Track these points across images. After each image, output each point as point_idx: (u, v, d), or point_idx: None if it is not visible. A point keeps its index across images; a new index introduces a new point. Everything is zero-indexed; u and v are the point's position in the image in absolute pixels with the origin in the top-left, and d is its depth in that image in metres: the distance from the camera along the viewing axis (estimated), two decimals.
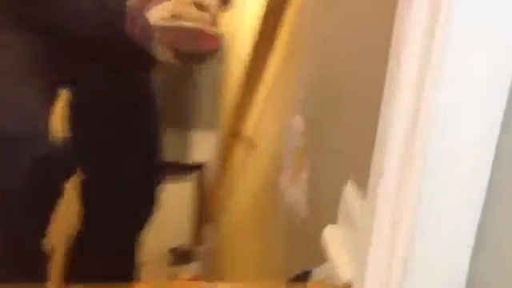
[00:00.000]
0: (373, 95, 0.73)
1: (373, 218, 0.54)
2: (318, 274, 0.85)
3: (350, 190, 0.81)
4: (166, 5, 1.06)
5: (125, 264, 1.56)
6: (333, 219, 0.88)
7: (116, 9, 1.11)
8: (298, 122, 1.23)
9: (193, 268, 3.06)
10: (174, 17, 1.06)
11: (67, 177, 1.27)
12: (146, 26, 1.06)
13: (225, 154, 2.08)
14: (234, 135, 1.89)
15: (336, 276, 0.75)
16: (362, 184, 0.79)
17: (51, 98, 1.21)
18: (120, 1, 1.10)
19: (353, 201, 0.79)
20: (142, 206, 1.50)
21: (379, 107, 0.55)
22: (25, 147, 1.09)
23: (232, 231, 2.27)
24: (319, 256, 0.95)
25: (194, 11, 1.07)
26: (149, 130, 1.44)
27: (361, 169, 0.81)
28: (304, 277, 0.90)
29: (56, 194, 1.21)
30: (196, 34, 1.07)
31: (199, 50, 1.10)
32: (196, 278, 3.00)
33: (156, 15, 1.05)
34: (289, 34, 1.43)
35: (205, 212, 2.63)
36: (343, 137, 0.93)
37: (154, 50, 1.10)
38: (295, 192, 1.16)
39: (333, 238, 0.81)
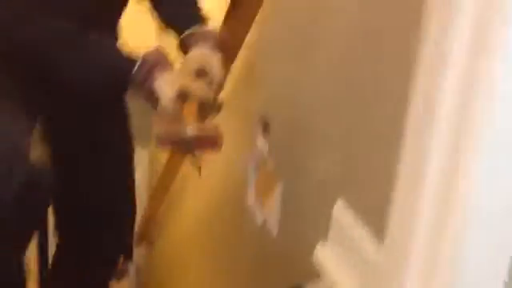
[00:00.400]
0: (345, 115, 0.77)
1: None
2: None
3: (340, 209, 0.85)
4: (170, 77, 1.07)
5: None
6: (310, 237, 0.92)
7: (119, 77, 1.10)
8: (261, 141, 1.26)
9: (124, 285, 3.00)
10: (179, 96, 1.06)
11: (48, 204, 1.25)
12: (153, 94, 1.06)
13: (168, 173, 2.07)
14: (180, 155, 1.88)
15: None
16: (352, 202, 0.84)
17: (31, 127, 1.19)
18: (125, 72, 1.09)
19: (345, 219, 0.83)
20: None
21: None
22: (6, 174, 1.05)
23: (175, 252, 2.24)
24: (299, 273, 0.98)
25: (199, 87, 1.09)
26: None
27: (349, 187, 0.86)
28: None
29: (38, 221, 1.19)
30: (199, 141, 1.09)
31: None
32: None
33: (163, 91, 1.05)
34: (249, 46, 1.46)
35: (140, 230, 2.58)
36: (317, 157, 0.98)
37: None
38: (265, 212, 1.19)
39: (326, 254, 0.84)
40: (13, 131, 1.12)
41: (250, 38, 1.39)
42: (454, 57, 0.53)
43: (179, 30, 1.23)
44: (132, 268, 3.14)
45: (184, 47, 1.21)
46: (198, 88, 1.08)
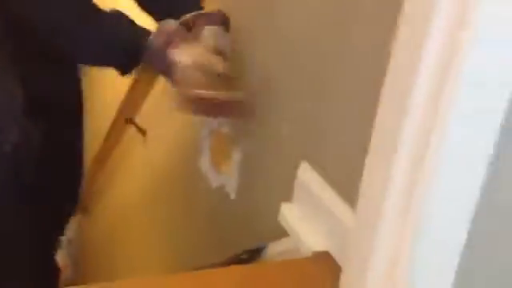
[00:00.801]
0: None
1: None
2: (274, 248, 0.90)
3: (305, 170, 0.87)
4: (189, 48, 1.08)
5: None
6: (273, 199, 0.94)
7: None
8: None
9: (59, 258, 2.95)
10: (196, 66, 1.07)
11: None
12: (171, 64, 1.07)
13: (111, 140, 2.03)
14: (125, 121, 1.85)
15: (301, 248, 0.81)
16: (316, 163, 0.86)
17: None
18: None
19: (310, 179, 0.85)
20: None
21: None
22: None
23: (117, 221, 2.21)
24: (260, 234, 1.00)
25: (216, 60, 1.09)
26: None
27: (312, 148, 0.88)
28: (253, 253, 0.95)
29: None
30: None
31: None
32: (64, 268, 2.90)
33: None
34: None
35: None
36: (279, 118, 0.99)
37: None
38: (222, 177, 1.20)
39: (291, 214, 0.86)
40: (8, 80, 1.11)
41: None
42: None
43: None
44: (64, 240, 3.09)
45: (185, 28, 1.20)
46: (216, 61, 1.09)
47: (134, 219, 1.97)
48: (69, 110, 1.41)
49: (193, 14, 1.17)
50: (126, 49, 1.12)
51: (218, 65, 1.10)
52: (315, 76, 0.88)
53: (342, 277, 0.69)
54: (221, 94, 1.07)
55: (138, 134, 1.79)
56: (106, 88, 2.36)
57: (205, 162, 1.29)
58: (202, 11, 1.20)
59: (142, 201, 1.87)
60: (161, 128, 1.69)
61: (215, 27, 1.15)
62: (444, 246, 0.64)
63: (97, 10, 1.13)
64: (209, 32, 1.14)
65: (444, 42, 0.56)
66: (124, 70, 1.17)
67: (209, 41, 1.13)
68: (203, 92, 1.06)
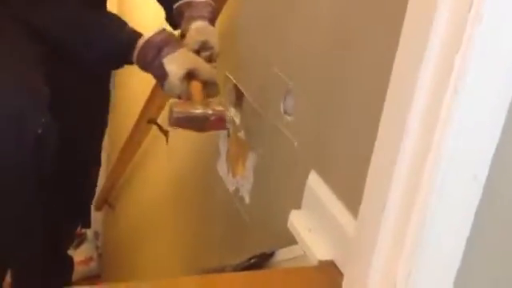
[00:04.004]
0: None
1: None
2: (283, 255, 0.93)
3: (314, 179, 0.90)
4: (179, 56, 1.10)
5: None
6: (284, 205, 0.97)
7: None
8: (233, 110, 1.29)
9: (85, 250, 3.03)
10: (187, 75, 1.09)
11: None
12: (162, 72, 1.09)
13: (135, 140, 2.08)
14: (148, 121, 1.90)
15: (309, 256, 0.84)
16: (324, 173, 0.88)
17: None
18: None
19: (318, 188, 0.88)
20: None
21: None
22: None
23: (139, 218, 2.27)
24: (271, 239, 1.03)
25: (207, 67, 1.12)
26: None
27: (321, 159, 0.90)
28: (263, 259, 0.98)
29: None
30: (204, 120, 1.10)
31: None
32: (89, 260, 2.98)
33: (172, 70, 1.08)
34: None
35: (102, 195, 2.59)
36: (290, 127, 1.02)
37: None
38: (237, 181, 1.23)
39: (300, 222, 0.89)
40: (35, 78, 1.16)
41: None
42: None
43: (169, 3, 1.25)
44: (90, 233, 3.16)
45: (177, 18, 1.23)
46: (206, 68, 1.11)
47: (154, 218, 2.02)
48: (93, 107, 1.46)
49: (181, 2, 1.21)
50: (119, 49, 1.15)
51: (209, 70, 1.12)
52: (325, 91, 0.90)
53: (343, 286, 0.72)
54: (215, 111, 1.09)
55: (160, 134, 1.84)
56: (131, 88, 2.42)
57: (222, 166, 1.32)
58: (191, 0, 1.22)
59: (163, 200, 1.91)
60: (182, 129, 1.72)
61: (203, 23, 1.17)
62: (443, 255, 0.66)
63: (86, 15, 1.18)
64: (196, 28, 1.16)
65: (439, 61, 0.57)
66: (114, 66, 1.23)
67: (197, 37, 1.15)
68: (198, 111, 1.08)
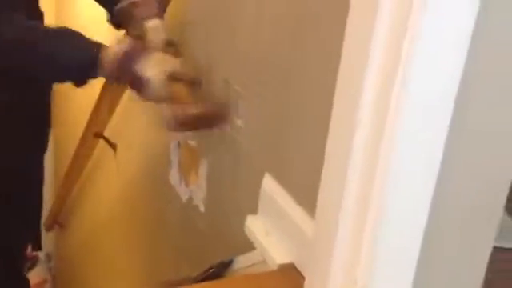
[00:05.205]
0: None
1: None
2: (242, 262, 0.91)
3: (269, 182, 0.88)
4: (154, 60, 1.04)
5: None
6: (240, 211, 0.95)
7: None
8: None
9: (38, 272, 2.94)
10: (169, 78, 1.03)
11: None
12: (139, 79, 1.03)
13: (82, 155, 2.02)
14: (94, 135, 1.84)
15: (268, 261, 0.82)
16: (279, 176, 0.87)
17: None
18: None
19: (274, 192, 0.86)
20: None
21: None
22: None
23: (91, 236, 2.20)
24: (229, 247, 1.01)
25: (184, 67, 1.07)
26: None
27: (275, 162, 0.89)
28: (221, 268, 0.95)
29: None
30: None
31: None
32: (43, 283, 2.89)
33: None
34: None
35: (51, 215, 2.51)
36: (241, 133, 1.00)
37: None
38: (190, 189, 1.20)
39: (257, 226, 0.87)
40: None
41: None
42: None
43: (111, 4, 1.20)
44: (42, 255, 3.06)
45: (122, 18, 1.19)
46: (184, 68, 1.07)
47: (108, 234, 1.97)
48: (34, 122, 1.41)
49: (126, 2, 1.16)
50: (80, 63, 1.09)
51: (189, 70, 1.08)
52: (274, 93, 0.89)
53: (305, 287, 0.71)
54: (209, 106, 1.04)
55: (108, 147, 1.79)
56: (76, 102, 2.35)
57: (174, 176, 1.29)
58: None
59: (116, 216, 1.86)
60: (131, 141, 1.68)
61: (157, 21, 1.13)
62: (402, 251, 0.66)
63: (48, 30, 1.12)
64: (153, 28, 1.12)
65: (387, 54, 0.57)
66: (79, 83, 1.15)
67: (158, 37, 1.11)
68: (194, 108, 1.02)
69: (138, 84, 1.04)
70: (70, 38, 1.11)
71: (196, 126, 1.05)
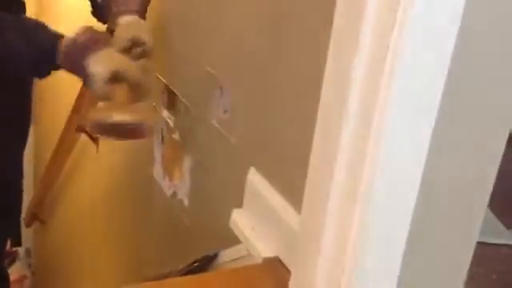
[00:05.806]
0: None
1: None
2: (227, 256, 0.91)
3: (254, 176, 0.88)
4: (104, 57, 1.01)
5: None
6: (226, 205, 0.94)
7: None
8: (166, 113, 1.26)
9: (17, 268, 2.91)
10: (113, 77, 1.00)
11: None
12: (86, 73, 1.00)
13: (63, 150, 1.99)
14: (76, 129, 1.82)
15: (253, 254, 0.82)
16: (264, 169, 0.87)
17: None
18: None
19: (259, 185, 0.86)
20: None
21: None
22: None
23: (73, 231, 2.18)
24: (215, 240, 1.01)
25: (134, 68, 1.03)
26: None
27: (260, 155, 0.89)
28: (206, 262, 0.95)
29: None
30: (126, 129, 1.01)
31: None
32: (23, 278, 2.87)
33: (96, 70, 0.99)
34: None
35: (31, 211, 2.47)
36: (225, 126, 1.00)
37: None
38: (174, 184, 1.20)
39: (242, 220, 0.87)
40: None
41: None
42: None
43: None
44: (22, 251, 3.03)
45: (104, 12, 1.17)
46: (133, 70, 1.03)
47: (90, 230, 1.95)
48: (15, 121, 1.38)
49: None
50: (40, 51, 1.06)
51: (135, 72, 1.04)
52: (259, 86, 0.88)
53: (291, 281, 0.70)
54: (135, 119, 1.00)
55: (90, 142, 1.77)
56: (56, 97, 2.32)
57: (158, 171, 1.28)
58: None
59: (98, 211, 1.84)
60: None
61: (132, 18, 1.10)
62: (387, 243, 0.66)
63: (12, 20, 1.09)
64: (125, 24, 1.09)
65: (373, 50, 0.57)
66: (40, 74, 1.13)
67: (126, 34, 1.08)
68: (115, 119, 0.98)
69: (84, 79, 1.02)
70: (31, 29, 1.08)
71: (115, 135, 1.02)
